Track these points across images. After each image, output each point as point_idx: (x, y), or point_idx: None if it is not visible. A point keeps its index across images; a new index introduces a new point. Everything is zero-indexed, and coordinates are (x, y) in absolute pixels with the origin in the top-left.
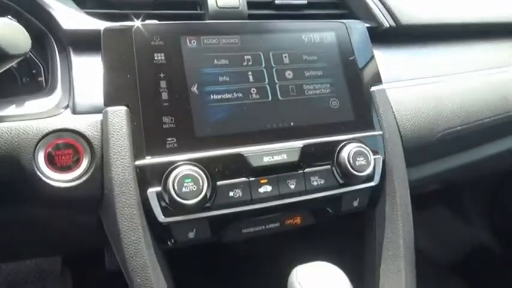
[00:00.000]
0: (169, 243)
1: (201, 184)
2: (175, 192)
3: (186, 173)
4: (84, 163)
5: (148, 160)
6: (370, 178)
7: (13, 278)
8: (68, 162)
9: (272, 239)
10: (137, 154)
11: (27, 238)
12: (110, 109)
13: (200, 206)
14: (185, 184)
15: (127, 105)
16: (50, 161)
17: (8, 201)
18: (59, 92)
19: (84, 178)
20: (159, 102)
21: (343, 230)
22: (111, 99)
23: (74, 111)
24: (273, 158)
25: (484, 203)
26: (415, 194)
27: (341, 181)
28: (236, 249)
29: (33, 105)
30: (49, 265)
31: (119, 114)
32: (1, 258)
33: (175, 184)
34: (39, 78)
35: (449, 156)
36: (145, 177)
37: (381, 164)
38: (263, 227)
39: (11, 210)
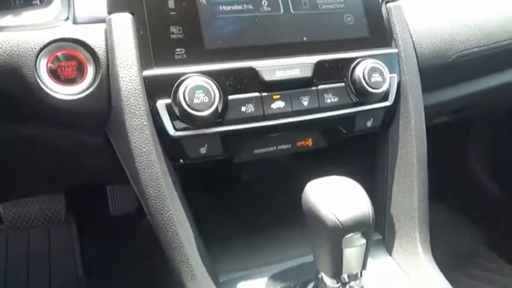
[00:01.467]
0: (181, 160)
1: (212, 96)
2: (187, 104)
3: (198, 84)
4: (89, 75)
5: (157, 71)
6: (385, 97)
7: (18, 222)
8: (72, 75)
9: (284, 163)
10: (145, 64)
11: (32, 166)
12: (114, 16)
13: (212, 120)
14: (196, 95)
15: (132, 13)
16: (53, 73)
17: (15, 117)
18: (57, 3)
19: (89, 91)
20: (165, 10)
21: (355, 152)
22: (114, 5)
23: (75, 22)
24: (285, 72)
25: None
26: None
27: (355, 99)
28: (248, 172)
29: (31, 16)
30: (53, 210)
31: (124, 21)
32: (4, 196)
33: (186, 95)
34: None
35: (463, 82)
36: (154, 88)
37: (396, 82)
38: (275, 148)
39: (19, 127)
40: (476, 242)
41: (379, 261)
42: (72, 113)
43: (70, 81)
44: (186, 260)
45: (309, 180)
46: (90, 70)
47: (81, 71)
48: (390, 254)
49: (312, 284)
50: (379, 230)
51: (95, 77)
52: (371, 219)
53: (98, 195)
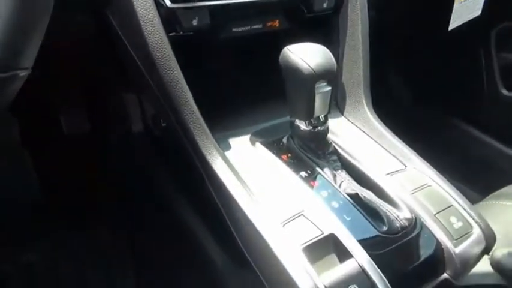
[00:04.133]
0: (177, 28)
1: None
2: None
3: None
4: None
5: None
6: None
7: None
8: None
9: (259, 45)
10: None
11: None
12: None
13: None
14: None
15: None
16: None
17: None
18: None
19: None
20: None
21: (314, 35)
22: None
23: None
24: None
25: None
26: None
27: None
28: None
29: None
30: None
31: None
32: None
33: None
34: None
35: None
36: None
37: None
38: (249, 27)
39: None
40: None
41: (334, 120)
42: None
43: None
44: (192, 112)
45: None
46: None
47: None
48: (342, 113)
49: (287, 136)
50: (333, 96)
51: None
52: (335, 68)
53: (51, 118)
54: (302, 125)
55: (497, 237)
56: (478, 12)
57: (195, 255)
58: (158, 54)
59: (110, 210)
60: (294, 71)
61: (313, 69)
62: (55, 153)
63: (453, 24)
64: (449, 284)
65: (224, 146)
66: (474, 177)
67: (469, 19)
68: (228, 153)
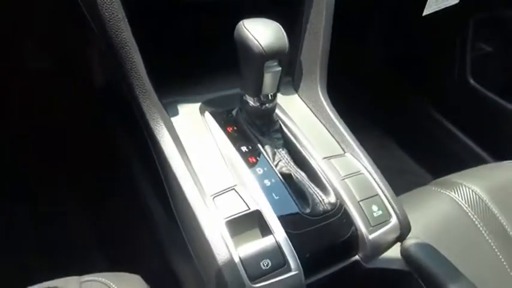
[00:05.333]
0: None
1: None
2: None
3: None
4: None
5: None
6: None
7: None
8: None
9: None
10: None
11: None
12: None
13: None
14: None
15: None
16: None
17: None
18: None
19: None
20: None
21: (278, 17)
22: None
23: None
24: None
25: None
26: None
27: None
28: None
29: None
30: None
31: None
32: None
33: None
34: None
35: None
36: None
37: None
38: None
39: None
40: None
41: (288, 97)
42: None
43: None
44: (139, 76)
45: None
46: None
47: None
48: (296, 92)
49: (237, 108)
50: (289, 74)
51: None
52: (287, 49)
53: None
54: (250, 101)
55: (418, 224)
56: (456, 0)
57: (144, 212)
58: (107, 15)
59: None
60: (245, 47)
61: (263, 49)
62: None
63: (428, 9)
64: (359, 265)
65: (172, 111)
66: (431, 160)
67: (445, 6)
68: (174, 120)
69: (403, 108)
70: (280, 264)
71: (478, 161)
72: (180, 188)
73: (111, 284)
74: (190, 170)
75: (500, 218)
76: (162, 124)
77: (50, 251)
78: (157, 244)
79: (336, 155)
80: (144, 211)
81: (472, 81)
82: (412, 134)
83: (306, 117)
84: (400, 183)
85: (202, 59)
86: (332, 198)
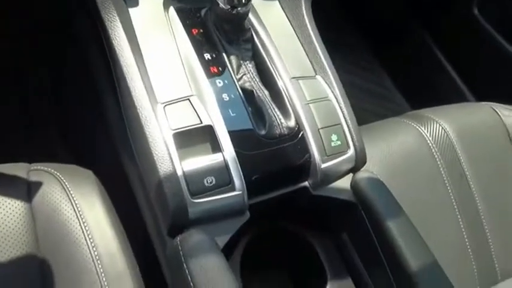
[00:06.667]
0: None
1: None
2: None
3: None
4: None
5: None
6: None
7: None
8: None
9: None
10: None
11: None
12: None
13: None
14: None
15: None
16: None
17: None
18: None
19: None
20: None
21: None
22: None
23: None
24: None
25: None
26: None
27: None
28: None
29: None
30: None
31: None
32: None
33: None
34: None
35: None
36: None
37: None
38: None
39: None
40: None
41: (267, 3)
42: None
43: None
44: None
45: None
46: None
47: None
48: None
49: (206, 8)
50: None
51: None
52: None
53: None
54: (221, 1)
55: (378, 154)
56: None
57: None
58: None
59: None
60: None
61: None
62: None
63: None
64: (306, 191)
65: (130, 2)
66: (415, 92)
67: None
68: (132, 12)
69: (398, 33)
70: (225, 183)
71: (461, 100)
72: (127, 90)
73: (60, 176)
74: (142, 72)
75: (462, 160)
76: (115, 16)
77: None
78: (111, 142)
79: (305, 77)
80: (99, 106)
81: (476, 12)
82: (403, 62)
83: (282, 29)
84: (377, 109)
85: None
86: (291, 122)
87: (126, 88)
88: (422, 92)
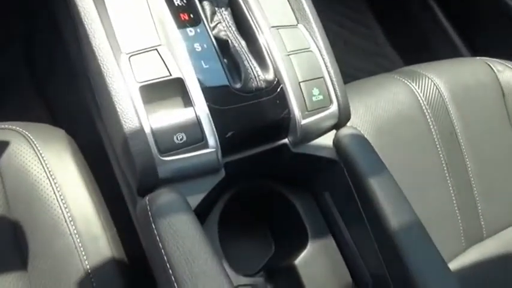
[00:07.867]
0: None
1: None
2: None
3: None
4: None
5: None
6: None
7: None
8: None
9: None
10: None
11: None
12: None
13: None
14: None
15: None
16: None
17: None
18: None
19: None
20: None
21: None
22: None
23: None
24: None
25: None
26: None
27: None
28: None
29: None
30: None
31: None
32: None
33: None
34: None
35: None
36: None
37: None
38: None
39: None
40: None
41: None
42: None
43: None
44: None
45: None
46: None
47: None
48: None
49: None
50: None
51: None
52: None
53: None
54: None
55: (366, 111)
56: None
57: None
58: None
59: None
60: None
61: None
62: None
63: None
64: (286, 149)
65: None
66: (409, 47)
67: None
68: None
69: None
70: (197, 140)
71: (457, 55)
72: (86, 38)
73: (29, 134)
74: (103, 18)
75: (454, 119)
76: None
77: None
78: (83, 100)
79: (286, 25)
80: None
81: None
82: (397, 17)
83: None
84: (368, 65)
85: None
86: (270, 75)
87: (85, 36)
88: (418, 48)
